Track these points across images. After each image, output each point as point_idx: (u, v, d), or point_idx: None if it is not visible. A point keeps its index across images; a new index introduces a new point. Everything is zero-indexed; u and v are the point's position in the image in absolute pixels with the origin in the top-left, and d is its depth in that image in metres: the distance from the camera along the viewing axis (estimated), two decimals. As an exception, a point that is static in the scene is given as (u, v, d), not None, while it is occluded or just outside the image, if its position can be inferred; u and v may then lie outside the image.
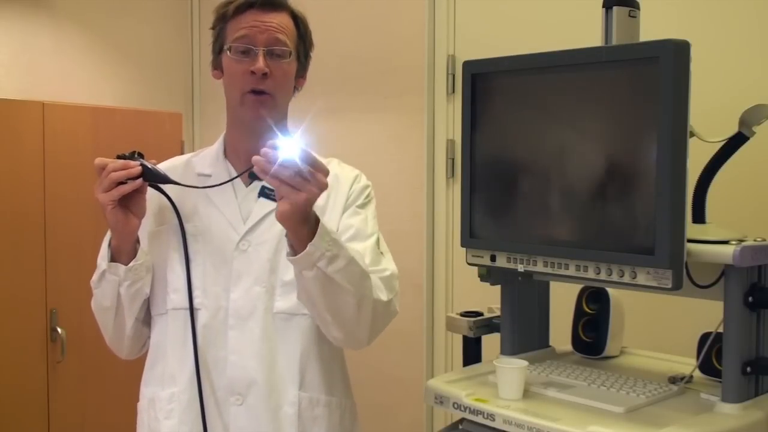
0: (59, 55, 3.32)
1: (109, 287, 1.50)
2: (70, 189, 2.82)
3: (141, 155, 1.49)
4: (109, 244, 1.50)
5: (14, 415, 2.69)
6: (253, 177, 1.57)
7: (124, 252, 1.49)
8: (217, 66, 1.60)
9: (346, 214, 1.60)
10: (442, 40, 2.82)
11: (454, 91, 2.79)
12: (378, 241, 1.60)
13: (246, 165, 1.57)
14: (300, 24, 1.59)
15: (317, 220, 1.36)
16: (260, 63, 1.50)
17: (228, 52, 1.53)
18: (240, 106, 1.54)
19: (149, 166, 1.47)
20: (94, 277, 1.54)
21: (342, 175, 1.66)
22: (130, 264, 1.49)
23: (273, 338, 1.53)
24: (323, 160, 1.66)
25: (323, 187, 1.32)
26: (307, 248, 1.34)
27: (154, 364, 1.58)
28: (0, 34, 3.14)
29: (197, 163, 1.64)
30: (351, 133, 3.12)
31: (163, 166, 1.60)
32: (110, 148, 3.06)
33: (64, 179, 2.81)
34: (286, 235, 1.38)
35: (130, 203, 1.45)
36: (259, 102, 1.52)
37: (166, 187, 1.52)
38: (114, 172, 1.43)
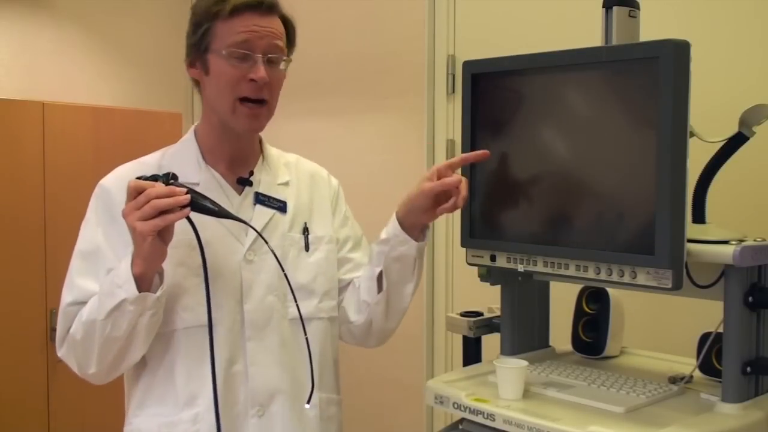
0: (59, 55, 3.32)
1: (126, 318, 1.36)
2: (70, 189, 2.82)
3: (175, 177, 1.35)
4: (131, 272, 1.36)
5: (14, 415, 2.69)
6: (243, 183, 1.55)
7: (147, 280, 1.36)
8: (197, 63, 1.50)
9: (337, 223, 1.66)
10: (442, 40, 2.82)
11: (454, 91, 2.79)
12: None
13: (230, 170, 1.55)
14: (290, 27, 1.54)
15: None
16: (263, 72, 1.44)
17: (222, 54, 1.45)
18: (231, 114, 1.47)
19: (203, 197, 1.35)
20: (96, 313, 1.39)
21: (315, 171, 1.70)
22: (159, 293, 1.37)
23: (291, 345, 1.52)
24: (291, 157, 1.68)
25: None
26: (426, 236, 1.55)
27: (155, 386, 1.50)
28: (0, 34, 3.14)
29: (174, 169, 1.42)
30: (351, 133, 3.12)
31: (129, 171, 1.50)
32: (110, 148, 3.08)
33: (64, 179, 2.81)
34: (401, 224, 1.52)
35: (162, 230, 1.32)
36: (255, 114, 1.47)
37: None
38: (158, 199, 1.29)
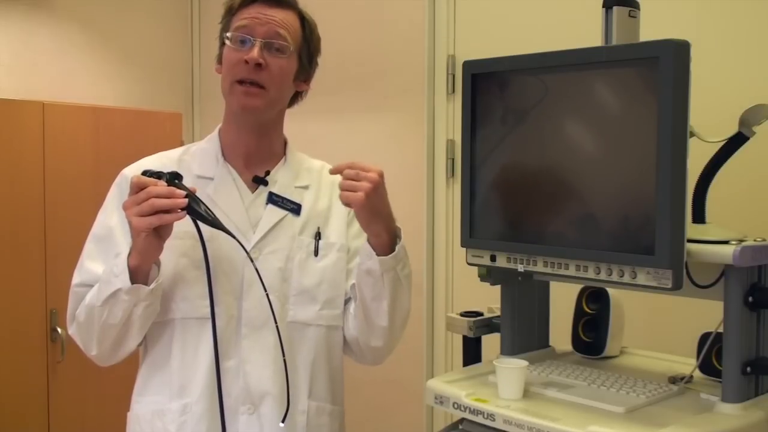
0: (59, 55, 3.32)
1: (120, 307, 1.40)
2: (70, 189, 2.82)
3: (179, 177, 1.37)
4: (127, 264, 1.39)
5: (14, 415, 2.69)
6: (258, 182, 1.57)
7: (142, 272, 1.40)
8: (219, 60, 1.56)
9: (353, 232, 1.63)
10: (442, 40, 2.82)
11: (454, 91, 2.79)
12: None
13: (246, 166, 1.57)
14: (306, 25, 1.57)
15: (397, 229, 1.49)
16: (254, 53, 1.46)
17: (227, 41, 1.50)
18: (230, 95, 1.51)
19: (200, 203, 1.37)
20: (95, 299, 1.43)
21: (338, 180, 1.66)
22: (152, 285, 1.40)
23: (286, 347, 1.50)
24: (317, 163, 1.68)
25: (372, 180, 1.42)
26: (396, 250, 1.47)
27: (153, 374, 1.53)
28: (0, 34, 3.14)
29: (193, 163, 1.57)
30: (351, 133, 3.12)
31: (152, 164, 1.54)
32: (110, 148, 3.08)
33: (64, 179, 2.81)
34: (368, 240, 1.48)
35: (158, 227, 1.36)
36: (247, 92, 1.48)
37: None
38: (157, 198, 1.32)
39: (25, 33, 3.21)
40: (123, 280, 1.39)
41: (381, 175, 1.43)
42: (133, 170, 1.55)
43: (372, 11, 3.05)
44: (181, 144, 3.13)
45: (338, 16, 3.06)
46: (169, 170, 1.39)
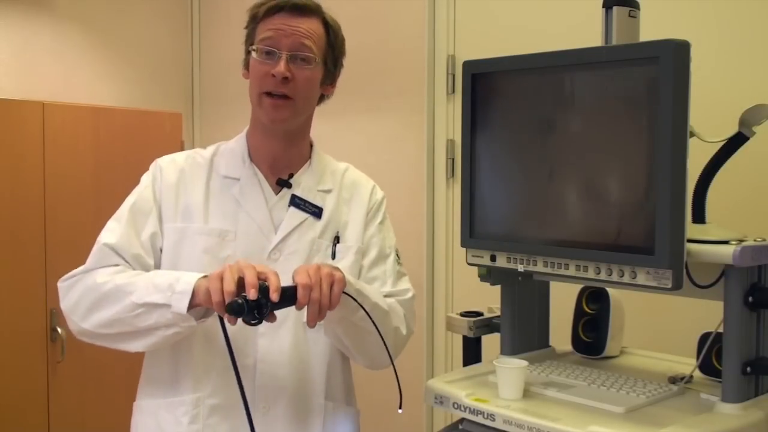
0: (59, 55, 3.32)
1: (155, 319, 1.39)
2: (70, 189, 2.82)
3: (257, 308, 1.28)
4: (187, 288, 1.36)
5: (14, 415, 2.69)
6: (282, 184, 1.58)
7: (199, 303, 1.37)
8: (246, 65, 1.57)
9: (369, 231, 1.63)
10: (442, 40, 2.82)
11: (454, 91, 2.79)
12: (397, 256, 1.66)
13: (271, 169, 1.59)
14: (331, 31, 1.58)
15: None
16: (281, 66, 1.48)
17: (253, 53, 1.52)
18: (258, 107, 1.54)
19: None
20: (137, 294, 1.40)
21: (360, 182, 1.68)
22: (196, 323, 1.39)
23: (303, 347, 1.52)
24: (341, 165, 1.69)
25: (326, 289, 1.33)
26: (336, 308, 1.38)
27: (163, 367, 1.53)
28: (0, 34, 3.14)
29: (221, 163, 1.59)
30: (351, 133, 3.12)
31: (184, 160, 1.58)
32: (110, 148, 3.08)
33: (64, 179, 2.81)
34: None
35: None
36: (275, 105, 1.50)
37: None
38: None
39: (25, 33, 3.21)
40: (179, 301, 1.36)
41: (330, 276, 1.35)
42: (166, 161, 1.60)
43: (372, 11, 3.05)
44: (181, 144, 3.14)
45: (338, 16, 3.05)
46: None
